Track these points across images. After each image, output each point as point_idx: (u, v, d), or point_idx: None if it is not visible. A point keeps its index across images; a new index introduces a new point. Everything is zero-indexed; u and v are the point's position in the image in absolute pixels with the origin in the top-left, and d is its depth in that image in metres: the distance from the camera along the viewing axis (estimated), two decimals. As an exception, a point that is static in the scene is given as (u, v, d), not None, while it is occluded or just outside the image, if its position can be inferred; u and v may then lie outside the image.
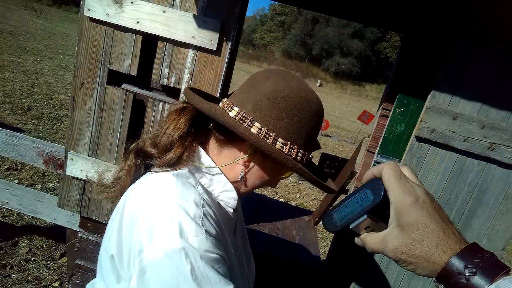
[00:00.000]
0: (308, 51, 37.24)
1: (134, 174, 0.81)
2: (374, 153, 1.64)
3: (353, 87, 31.76)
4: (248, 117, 0.73)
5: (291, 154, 0.74)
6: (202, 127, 0.83)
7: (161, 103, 1.67)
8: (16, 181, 3.47)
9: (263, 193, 5.53)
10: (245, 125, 0.72)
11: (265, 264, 1.75)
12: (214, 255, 0.64)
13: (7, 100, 5.52)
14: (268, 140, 0.72)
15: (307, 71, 32.89)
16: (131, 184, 0.80)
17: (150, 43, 1.65)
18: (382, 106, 1.65)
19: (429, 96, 1.49)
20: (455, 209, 1.56)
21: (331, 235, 3.62)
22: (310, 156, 0.82)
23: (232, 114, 0.74)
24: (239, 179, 0.79)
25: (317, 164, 0.91)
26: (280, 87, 0.74)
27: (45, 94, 6.37)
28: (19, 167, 3.75)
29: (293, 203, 5.47)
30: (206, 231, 0.65)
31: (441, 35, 1.48)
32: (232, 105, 0.75)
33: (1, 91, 5.87)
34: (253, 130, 0.72)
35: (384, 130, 1.60)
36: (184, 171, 0.75)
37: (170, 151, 0.76)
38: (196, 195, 0.71)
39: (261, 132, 0.72)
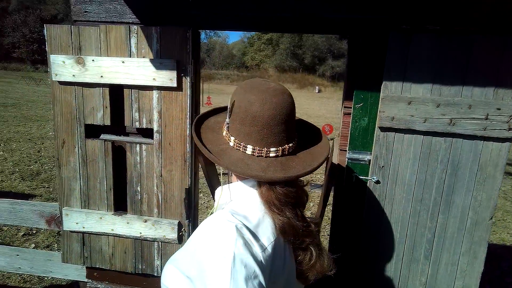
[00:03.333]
0: (301, 61, 37.69)
1: None
2: (346, 150, 1.70)
3: (352, 86, 31.83)
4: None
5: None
6: None
7: (138, 145, 1.77)
8: (33, 245, 3.60)
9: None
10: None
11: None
12: None
13: (17, 170, 5.76)
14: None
15: (303, 80, 33.15)
16: None
17: (117, 92, 1.77)
18: (343, 105, 1.71)
19: (381, 87, 1.56)
20: (434, 189, 1.59)
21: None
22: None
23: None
24: None
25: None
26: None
27: (52, 156, 6.61)
28: (34, 231, 3.89)
29: (308, 213, 5.45)
30: None
31: (381, 29, 1.56)
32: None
33: (10, 161, 6.13)
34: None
35: (350, 127, 1.66)
36: None
37: None
38: None
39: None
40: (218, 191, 1.04)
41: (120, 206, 1.89)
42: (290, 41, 37.62)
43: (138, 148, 1.78)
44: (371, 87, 1.60)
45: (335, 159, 1.78)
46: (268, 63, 39.80)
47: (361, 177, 1.66)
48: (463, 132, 1.50)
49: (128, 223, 1.82)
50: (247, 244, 0.79)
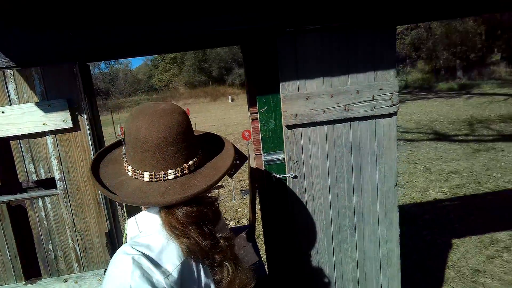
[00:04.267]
0: (209, 74, 38.01)
1: None
2: (261, 154, 1.75)
3: (262, 89, 33.07)
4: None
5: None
6: None
7: (39, 199, 1.59)
8: None
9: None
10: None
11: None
12: None
13: None
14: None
15: (215, 92, 33.46)
16: None
17: (3, 146, 1.57)
18: (250, 111, 1.77)
19: (280, 88, 1.64)
20: (345, 171, 1.73)
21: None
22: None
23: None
24: None
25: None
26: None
27: None
28: None
29: (245, 220, 5.48)
30: None
31: (269, 35, 1.64)
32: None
33: None
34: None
35: (259, 131, 1.72)
36: None
37: None
38: None
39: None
40: (127, 225, 1.00)
41: (33, 271, 1.67)
42: (195, 57, 37.66)
43: (40, 203, 1.59)
44: (271, 90, 1.68)
45: (253, 164, 1.83)
46: (177, 82, 39.24)
47: (279, 176, 1.73)
48: (357, 115, 1.67)
49: None
50: (145, 274, 0.79)
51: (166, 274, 0.82)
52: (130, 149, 0.92)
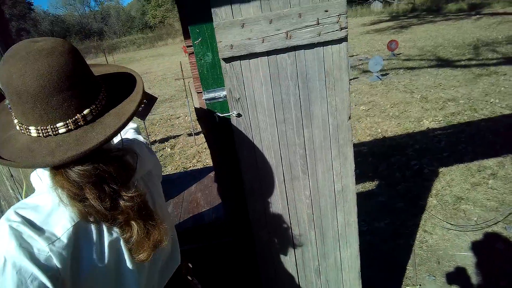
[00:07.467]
0: (205, 7, 35.97)
1: None
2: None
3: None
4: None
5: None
6: None
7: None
8: None
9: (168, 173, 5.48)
10: None
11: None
12: None
13: None
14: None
15: (213, 27, 31.95)
16: None
17: None
18: (186, 44, 1.59)
19: (212, 15, 1.45)
20: (292, 106, 1.59)
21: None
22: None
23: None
24: None
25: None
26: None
27: None
28: None
29: (200, 164, 5.52)
30: None
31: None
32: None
33: None
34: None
35: (197, 66, 1.56)
36: None
37: None
38: None
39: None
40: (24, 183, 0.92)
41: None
42: (188, -12, 35.28)
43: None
44: (204, 18, 1.48)
45: (196, 103, 1.70)
46: (172, 18, 37.25)
47: (222, 115, 1.61)
48: (301, 43, 1.48)
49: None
50: (24, 244, 0.72)
51: (51, 240, 0.75)
52: (8, 100, 0.78)
